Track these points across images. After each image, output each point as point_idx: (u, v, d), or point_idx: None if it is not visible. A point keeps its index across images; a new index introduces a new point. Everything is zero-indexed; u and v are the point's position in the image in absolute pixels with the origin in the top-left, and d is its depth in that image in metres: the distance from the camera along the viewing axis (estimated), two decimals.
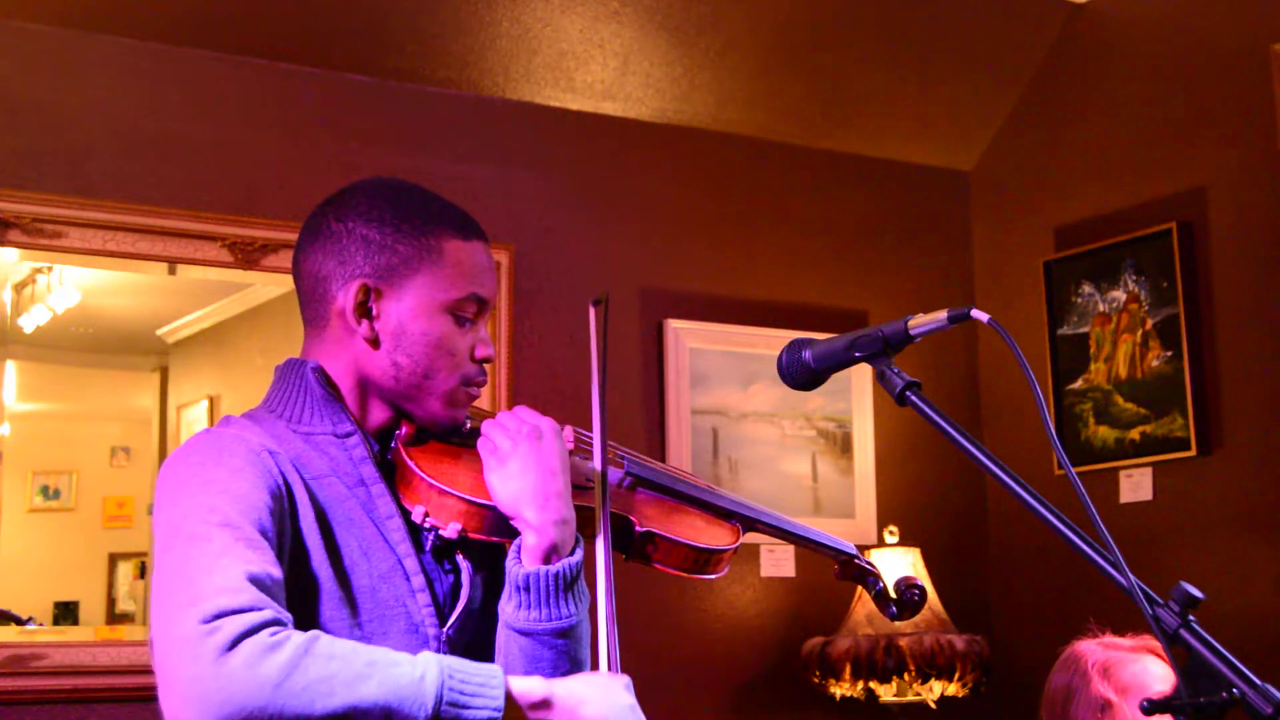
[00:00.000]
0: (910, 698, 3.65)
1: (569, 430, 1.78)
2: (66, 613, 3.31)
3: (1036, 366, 4.03)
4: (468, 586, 1.66)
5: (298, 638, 1.38)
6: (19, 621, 3.16)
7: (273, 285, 3.48)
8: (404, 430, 1.70)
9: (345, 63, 3.57)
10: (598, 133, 3.89)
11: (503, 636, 1.65)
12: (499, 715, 1.42)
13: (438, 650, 1.61)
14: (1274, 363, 3.58)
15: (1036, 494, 1.50)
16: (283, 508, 1.55)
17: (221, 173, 3.41)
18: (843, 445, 4.07)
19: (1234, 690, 1.30)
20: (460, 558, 1.69)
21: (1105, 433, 3.89)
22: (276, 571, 1.46)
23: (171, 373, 3.57)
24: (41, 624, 3.23)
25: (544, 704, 1.47)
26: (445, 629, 1.63)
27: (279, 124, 3.50)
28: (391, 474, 1.69)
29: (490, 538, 1.65)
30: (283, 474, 1.58)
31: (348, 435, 1.67)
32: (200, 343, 3.58)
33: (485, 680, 1.43)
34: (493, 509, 1.63)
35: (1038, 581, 4.03)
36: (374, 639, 1.57)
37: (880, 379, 1.63)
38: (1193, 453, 3.67)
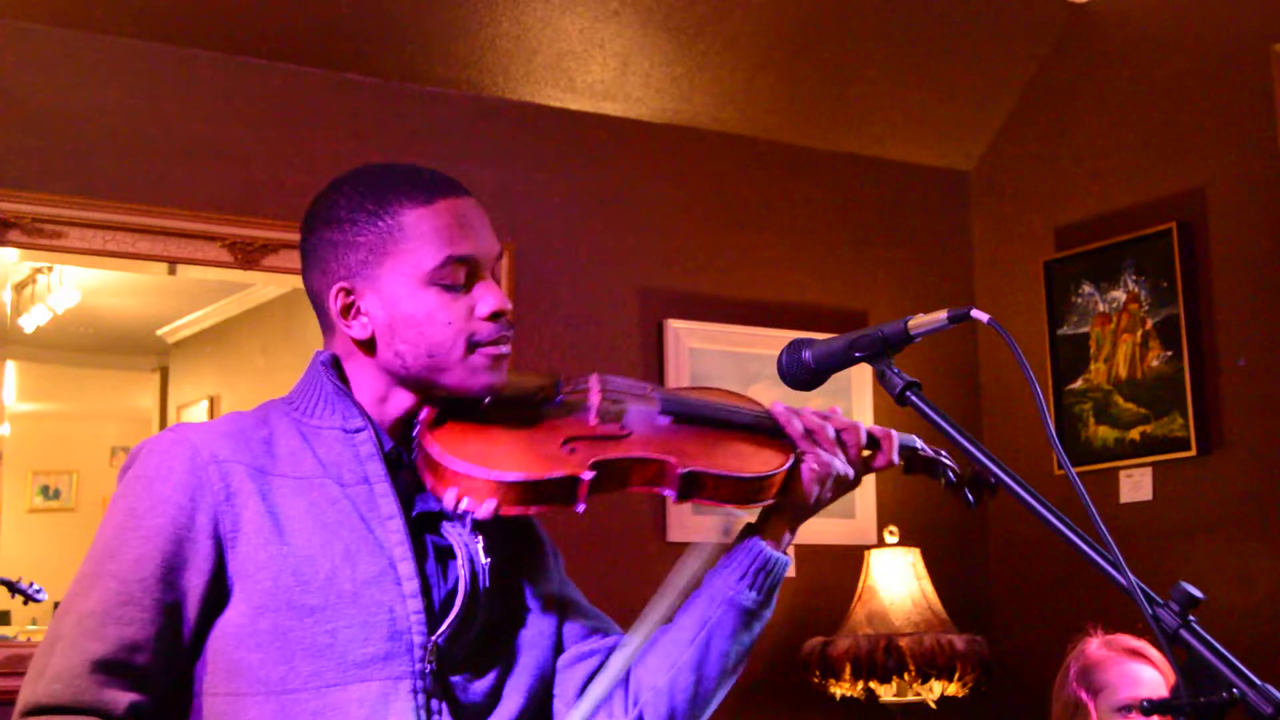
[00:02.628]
0: (910, 698, 3.65)
1: (595, 378, 1.74)
2: None
3: (1036, 366, 4.03)
4: (461, 597, 1.59)
5: None
6: (23, 592, 3.15)
7: (273, 285, 3.48)
8: (424, 415, 1.64)
9: (345, 63, 3.57)
10: (598, 133, 3.89)
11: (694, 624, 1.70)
12: None
13: (421, 658, 1.56)
14: (1274, 363, 3.58)
15: (1036, 494, 1.50)
16: (208, 541, 1.54)
17: (221, 173, 3.41)
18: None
19: (1234, 690, 1.30)
20: (463, 562, 1.61)
21: (1105, 433, 3.89)
22: (140, 636, 1.50)
23: (171, 373, 3.57)
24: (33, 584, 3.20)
25: None
26: (434, 637, 1.57)
27: (279, 124, 3.50)
28: (407, 471, 1.65)
29: (528, 509, 1.59)
30: (225, 491, 1.55)
31: (357, 431, 1.63)
32: (200, 343, 3.58)
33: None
34: (525, 482, 1.57)
35: (1038, 581, 4.03)
36: (353, 646, 1.53)
37: (880, 379, 1.62)
38: (1193, 453, 3.67)
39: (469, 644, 1.62)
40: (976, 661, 3.64)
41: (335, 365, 1.67)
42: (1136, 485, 3.82)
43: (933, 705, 3.68)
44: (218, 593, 1.54)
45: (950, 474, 1.85)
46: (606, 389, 1.73)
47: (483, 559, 1.62)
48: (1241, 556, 3.59)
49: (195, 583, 1.53)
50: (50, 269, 3.29)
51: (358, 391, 1.66)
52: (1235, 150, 3.68)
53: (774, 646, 3.84)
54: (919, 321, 1.60)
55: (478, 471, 1.57)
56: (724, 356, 3.93)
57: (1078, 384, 3.98)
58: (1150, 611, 1.36)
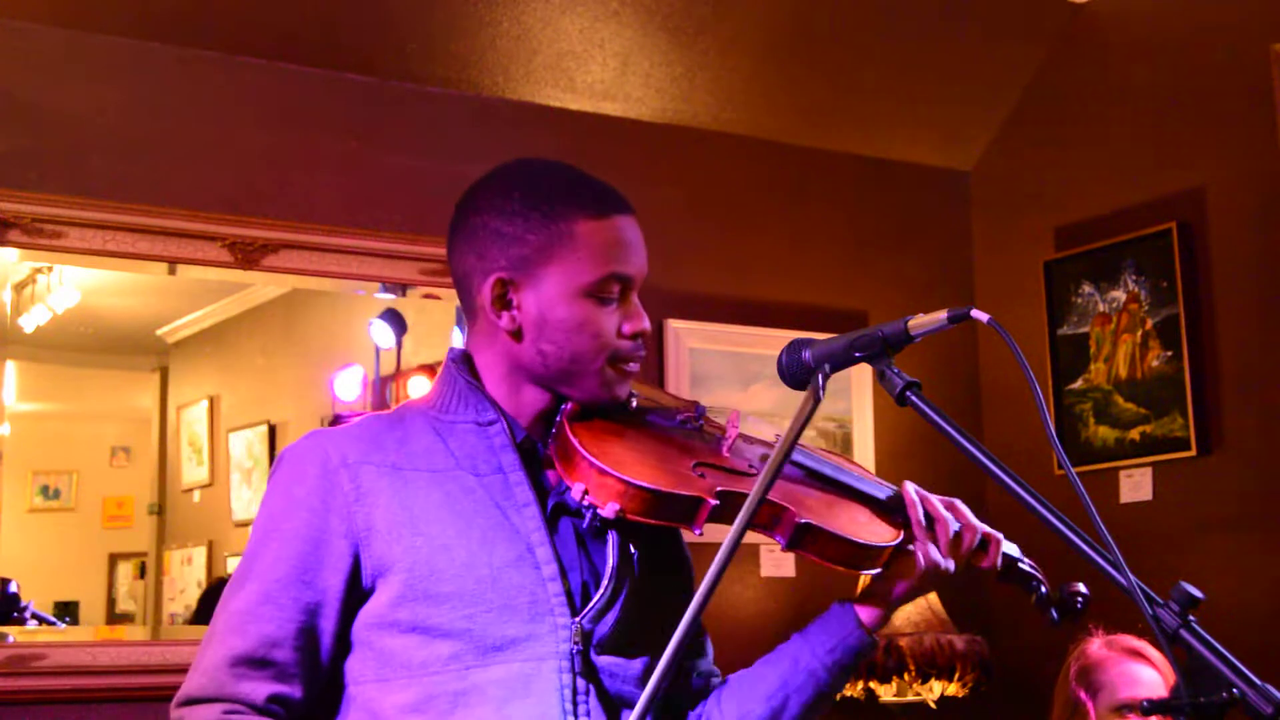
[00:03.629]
0: (910, 698, 3.65)
1: (735, 414, 1.79)
2: (66, 613, 3.31)
3: (1036, 366, 4.03)
4: (608, 579, 1.64)
5: None
6: (39, 618, 3.16)
7: (273, 285, 3.48)
8: (569, 406, 1.69)
9: (345, 63, 3.56)
10: (598, 133, 3.89)
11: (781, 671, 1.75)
12: None
13: (568, 639, 1.59)
14: (1274, 363, 3.58)
15: (1036, 494, 1.50)
16: (344, 540, 1.61)
17: (221, 173, 3.40)
18: (843, 445, 4.07)
19: (1234, 690, 1.30)
20: (613, 547, 1.66)
21: (1105, 433, 3.89)
22: (279, 633, 1.58)
23: (171, 373, 3.56)
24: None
25: None
26: (578, 618, 1.61)
27: (279, 124, 3.50)
28: (540, 464, 1.69)
29: (649, 520, 1.62)
30: (356, 490, 1.62)
31: (490, 423, 1.68)
32: (200, 343, 3.58)
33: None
34: (652, 492, 1.61)
35: None
36: (492, 629, 1.57)
37: (880, 379, 1.63)
38: (1193, 453, 3.67)
39: (618, 631, 1.65)
40: (976, 661, 3.64)
41: (466, 361, 1.72)
42: (1136, 485, 3.82)
43: (933, 705, 3.68)
44: (357, 589, 1.61)
45: (1042, 589, 1.88)
46: (744, 426, 1.78)
47: (631, 549, 1.67)
48: (1241, 556, 3.59)
49: (333, 581, 1.60)
50: (50, 269, 3.29)
51: (490, 386, 1.71)
52: (1235, 150, 3.68)
53: (774, 647, 3.84)
54: (919, 321, 1.60)
55: (610, 470, 1.61)
56: (724, 356, 3.93)
57: (1078, 384, 3.98)
58: (1150, 611, 1.36)
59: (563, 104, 3.84)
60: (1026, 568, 1.87)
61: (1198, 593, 1.36)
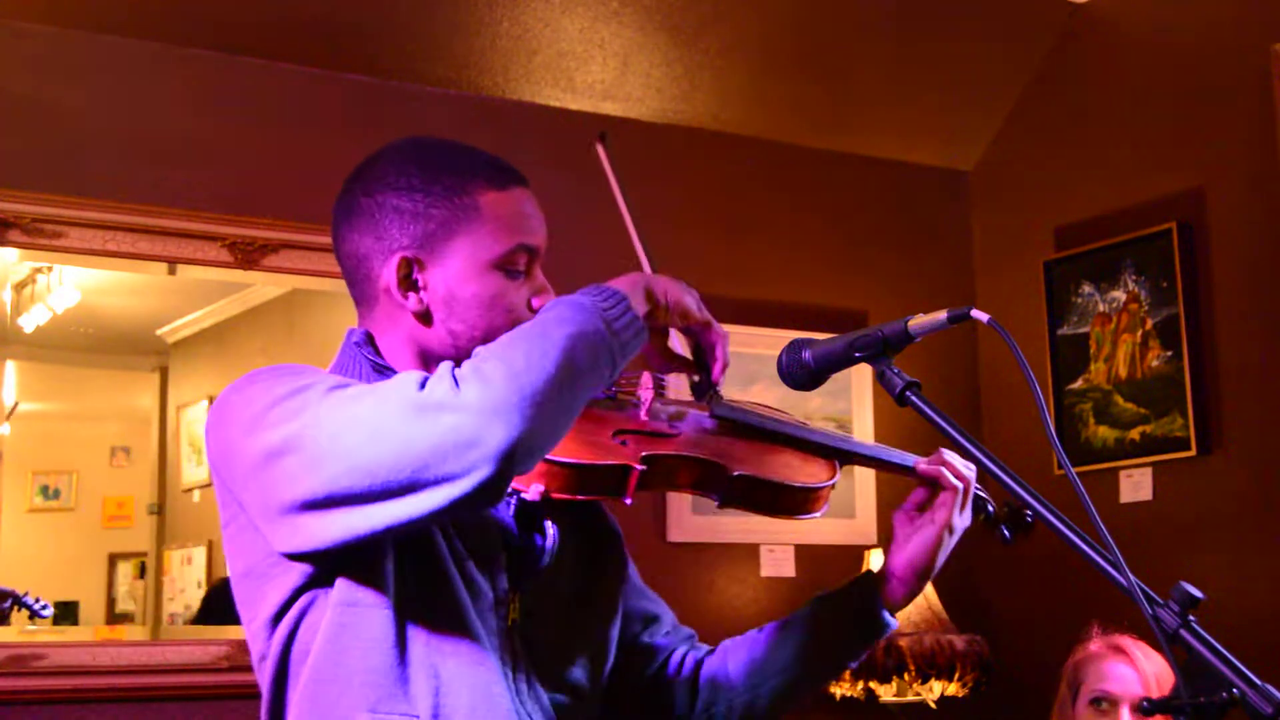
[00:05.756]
0: (910, 698, 3.65)
1: (647, 376, 1.75)
2: (66, 613, 3.31)
3: (1036, 366, 4.03)
4: (548, 556, 1.59)
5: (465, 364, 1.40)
6: (29, 607, 3.15)
7: (273, 285, 3.48)
8: None
9: (345, 63, 3.57)
10: (598, 133, 3.88)
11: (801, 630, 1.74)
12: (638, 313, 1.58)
13: (500, 617, 1.55)
14: (1274, 363, 3.58)
15: (1036, 494, 1.50)
16: None
17: (221, 173, 3.40)
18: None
19: (1234, 690, 1.30)
20: (548, 523, 1.61)
21: (1105, 433, 3.89)
22: None
23: (171, 373, 3.57)
24: (39, 599, 3.21)
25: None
26: (516, 591, 1.57)
27: (279, 124, 3.50)
28: None
29: (575, 496, 1.58)
30: None
31: None
32: (200, 343, 3.58)
33: (612, 292, 1.57)
34: (575, 467, 1.56)
35: (1038, 581, 4.03)
36: (428, 602, 1.50)
37: (880, 379, 1.63)
38: (1193, 453, 3.67)
39: (549, 606, 1.62)
40: (976, 661, 3.64)
41: (370, 343, 1.64)
42: (1136, 485, 3.82)
43: (933, 705, 3.68)
44: None
45: (988, 508, 1.87)
46: (658, 387, 1.74)
47: (550, 530, 1.61)
48: (1241, 556, 3.59)
49: None
50: (50, 269, 3.29)
51: (398, 369, 1.63)
52: (1235, 150, 3.68)
53: None
54: (919, 321, 1.60)
55: None
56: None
57: (1078, 384, 3.98)
58: (1150, 611, 1.36)
59: (563, 104, 3.84)
60: (978, 491, 1.86)
61: (1198, 593, 1.36)
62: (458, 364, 1.41)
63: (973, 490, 1.77)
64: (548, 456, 1.53)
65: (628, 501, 1.61)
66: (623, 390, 1.76)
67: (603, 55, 3.77)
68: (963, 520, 1.76)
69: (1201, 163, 3.75)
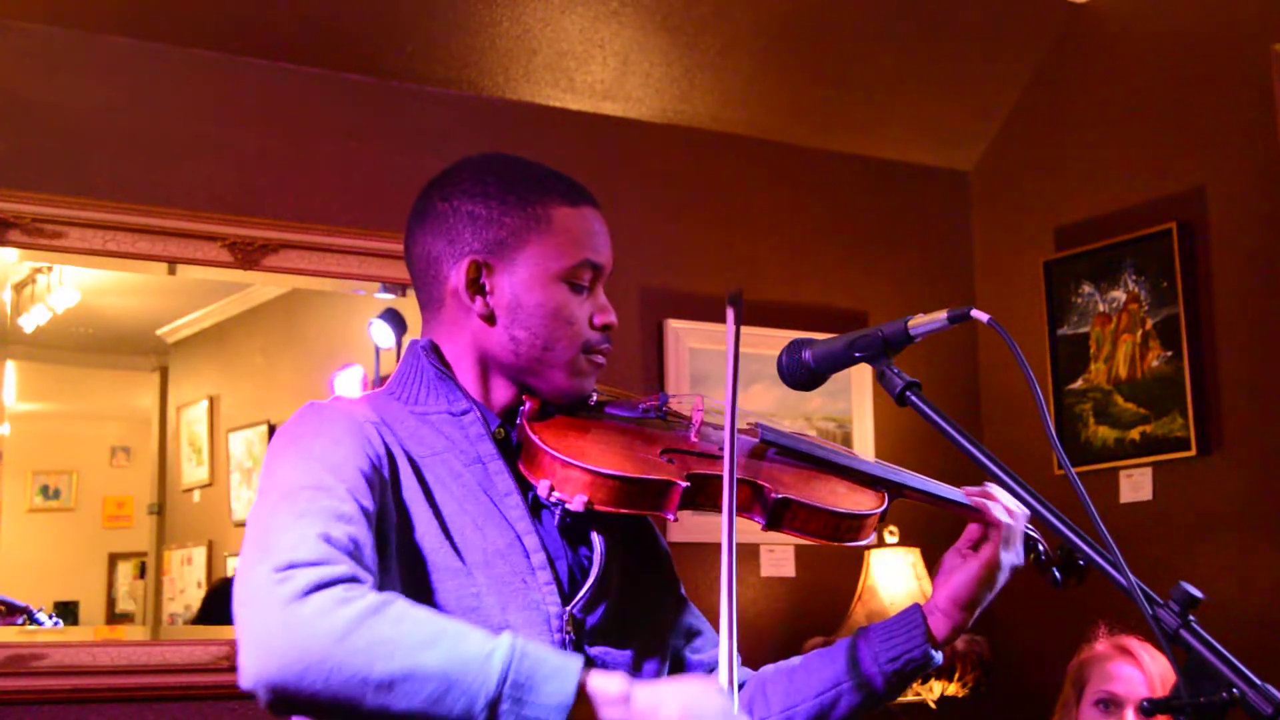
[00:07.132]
0: (910, 698, 3.65)
1: (699, 399, 1.77)
2: (66, 613, 3.31)
3: (1036, 366, 4.03)
4: (598, 565, 1.62)
5: (372, 597, 1.33)
6: (34, 619, 3.16)
7: (273, 285, 3.48)
8: (528, 406, 1.67)
9: (345, 63, 3.57)
10: (598, 133, 3.89)
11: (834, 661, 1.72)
12: (567, 706, 1.31)
13: (559, 628, 1.57)
14: (1274, 362, 3.58)
15: (1036, 494, 1.50)
16: (382, 477, 1.53)
17: (221, 173, 3.41)
18: (843, 445, 4.07)
19: (1234, 690, 1.30)
20: (595, 535, 1.64)
21: (1105, 433, 3.89)
22: (360, 533, 1.42)
23: (171, 373, 3.57)
24: (51, 615, 3.22)
25: (621, 701, 1.35)
26: (569, 607, 1.59)
27: (279, 124, 3.50)
28: (515, 454, 1.65)
29: (620, 509, 1.60)
30: (385, 445, 1.56)
31: (464, 413, 1.64)
32: (200, 343, 3.58)
33: (559, 669, 1.32)
34: (620, 479, 1.59)
35: (1038, 581, 4.01)
36: (494, 612, 1.53)
37: (880, 379, 1.63)
38: (1192, 453, 3.67)
39: (608, 620, 1.63)
40: (976, 661, 3.64)
41: (434, 351, 1.68)
42: (1136, 485, 3.82)
43: (933, 705, 3.68)
44: (395, 517, 1.54)
45: (1040, 547, 1.87)
46: (709, 409, 1.77)
47: (597, 543, 1.64)
48: (1241, 556, 3.59)
49: (388, 498, 1.53)
50: (50, 269, 3.29)
51: (460, 376, 1.68)
52: (1235, 150, 3.68)
53: (774, 646, 3.84)
54: (919, 321, 1.61)
55: (574, 462, 1.59)
56: (724, 356, 3.91)
57: (1078, 384, 3.98)
58: (1150, 611, 1.36)
59: (563, 104, 3.84)
60: (1029, 531, 1.86)
61: (1198, 593, 1.36)
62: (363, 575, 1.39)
63: (1022, 529, 1.76)
64: (593, 468, 1.58)
65: (671, 518, 1.63)
66: (675, 412, 1.80)
67: (603, 55, 3.77)
68: (1012, 558, 1.74)
69: (1201, 163, 3.75)
